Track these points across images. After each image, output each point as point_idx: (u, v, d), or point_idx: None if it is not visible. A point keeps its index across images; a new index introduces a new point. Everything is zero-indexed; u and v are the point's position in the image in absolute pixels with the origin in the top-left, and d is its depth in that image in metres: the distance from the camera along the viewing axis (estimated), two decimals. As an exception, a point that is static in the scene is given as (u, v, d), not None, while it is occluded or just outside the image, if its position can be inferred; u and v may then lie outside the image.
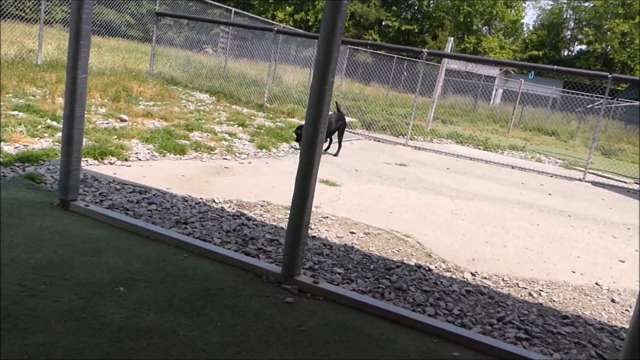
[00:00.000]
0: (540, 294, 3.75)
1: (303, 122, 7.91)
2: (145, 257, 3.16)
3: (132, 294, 2.68)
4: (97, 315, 2.42)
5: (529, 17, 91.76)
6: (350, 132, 11.51)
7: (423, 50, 11.64)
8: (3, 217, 3.33)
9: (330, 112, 8.59)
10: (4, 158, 4.64)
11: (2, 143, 5.06)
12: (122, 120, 7.34)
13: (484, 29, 51.07)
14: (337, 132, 8.19)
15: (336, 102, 8.61)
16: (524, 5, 52.57)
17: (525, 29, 55.13)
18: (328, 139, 8.16)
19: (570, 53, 52.87)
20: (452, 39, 15.77)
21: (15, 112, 6.41)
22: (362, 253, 4.01)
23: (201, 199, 4.68)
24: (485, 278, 3.92)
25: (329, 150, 8.26)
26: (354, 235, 4.40)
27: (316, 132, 2.96)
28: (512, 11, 50.29)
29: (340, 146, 8.32)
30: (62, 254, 2.99)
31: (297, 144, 7.88)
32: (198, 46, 20.02)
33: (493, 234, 5.07)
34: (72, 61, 3.54)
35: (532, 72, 32.41)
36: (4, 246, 2.94)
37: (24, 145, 5.16)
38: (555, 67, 10.84)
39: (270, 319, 2.68)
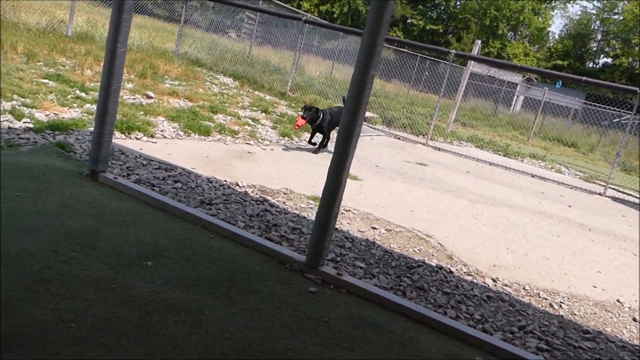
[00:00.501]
0: (561, 306, 3.72)
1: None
2: (171, 234, 3.17)
3: (159, 270, 2.69)
4: (125, 287, 2.44)
5: (556, 26, 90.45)
6: (370, 127, 11.46)
7: (451, 51, 11.53)
8: (35, 183, 3.36)
9: (335, 106, 7.84)
10: (35, 124, 4.67)
11: (34, 110, 5.10)
12: (149, 97, 7.36)
13: (509, 34, 50.50)
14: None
15: (343, 97, 7.86)
16: (551, 13, 51.67)
17: (551, 38, 54.42)
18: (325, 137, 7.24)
19: (595, 65, 52.11)
20: (479, 41, 15.62)
21: (46, 81, 6.46)
22: (383, 249, 3.99)
23: (225, 181, 4.68)
24: (506, 285, 3.89)
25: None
26: (375, 230, 4.39)
27: (353, 124, 2.94)
28: (540, 18, 49.63)
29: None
30: (92, 223, 3.01)
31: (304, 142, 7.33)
32: (222, 30, 20.01)
33: (514, 242, 5.03)
34: (113, 34, 3.54)
35: (560, 82, 31.99)
36: (37, 211, 2.96)
37: (55, 114, 5.20)
38: (584, 78, 10.66)
39: (295, 307, 2.68)
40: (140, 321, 2.21)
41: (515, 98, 31.17)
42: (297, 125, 6.79)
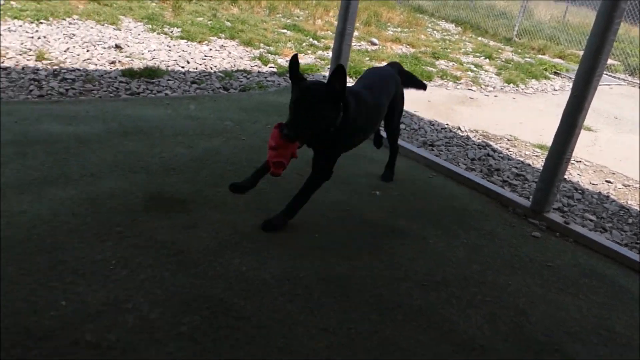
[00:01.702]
0: None
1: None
2: (397, 169, 3.35)
3: (386, 199, 2.92)
4: (358, 211, 2.71)
5: None
6: (608, 75, 10.16)
7: None
8: (278, 119, 3.84)
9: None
10: (278, 69, 5.28)
11: (276, 56, 5.75)
12: (373, 44, 7.65)
13: None
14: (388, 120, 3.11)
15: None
16: None
17: None
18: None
19: None
20: None
21: (284, 30, 7.15)
22: (619, 204, 3.65)
23: (447, 124, 4.72)
24: None
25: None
26: (610, 184, 4.02)
27: (595, 64, 2.71)
28: None
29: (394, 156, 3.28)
30: (328, 155, 3.34)
31: None
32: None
33: None
34: (349, -20, 3.77)
35: None
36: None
37: (293, 59, 5.78)
38: None
39: (516, 247, 2.67)
40: (372, 239, 2.46)
41: None
42: (275, 169, 2.34)
